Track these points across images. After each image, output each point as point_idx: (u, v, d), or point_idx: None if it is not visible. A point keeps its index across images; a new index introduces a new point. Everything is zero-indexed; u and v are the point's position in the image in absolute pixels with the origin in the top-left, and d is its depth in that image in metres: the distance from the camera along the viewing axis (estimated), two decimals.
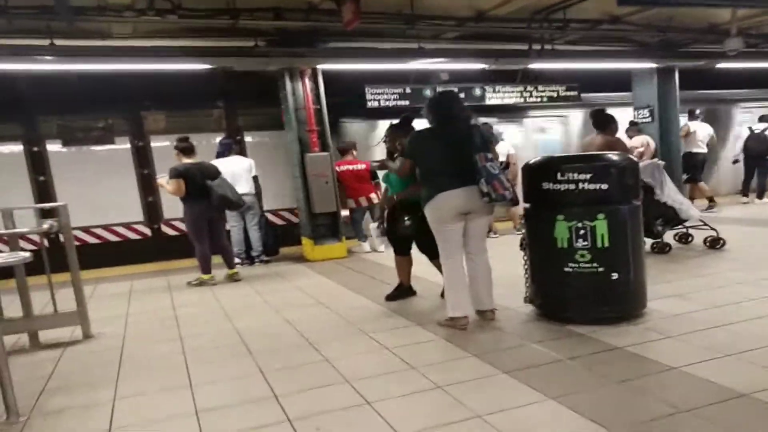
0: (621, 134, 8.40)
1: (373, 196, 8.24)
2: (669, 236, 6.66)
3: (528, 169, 4.42)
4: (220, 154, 7.78)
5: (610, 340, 3.75)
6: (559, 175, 4.07)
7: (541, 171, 4.24)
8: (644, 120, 10.93)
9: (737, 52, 8.86)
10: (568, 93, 10.24)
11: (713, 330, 3.85)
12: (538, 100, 10.13)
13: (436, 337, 4.15)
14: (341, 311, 5.08)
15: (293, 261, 8.08)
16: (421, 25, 7.69)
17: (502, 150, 8.63)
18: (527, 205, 4.45)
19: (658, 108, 10.84)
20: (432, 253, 4.79)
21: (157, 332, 4.87)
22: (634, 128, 9.95)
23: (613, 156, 4.31)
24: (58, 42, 6.52)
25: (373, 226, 7.91)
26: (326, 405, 3.12)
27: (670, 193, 6.36)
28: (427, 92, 9.15)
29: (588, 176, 3.99)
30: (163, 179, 6.57)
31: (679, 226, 6.67)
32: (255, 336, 4.53)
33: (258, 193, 7.96)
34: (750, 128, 10.86)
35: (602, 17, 8.61)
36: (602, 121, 6.21)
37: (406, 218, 4.88)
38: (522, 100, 10.03)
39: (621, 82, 11.32)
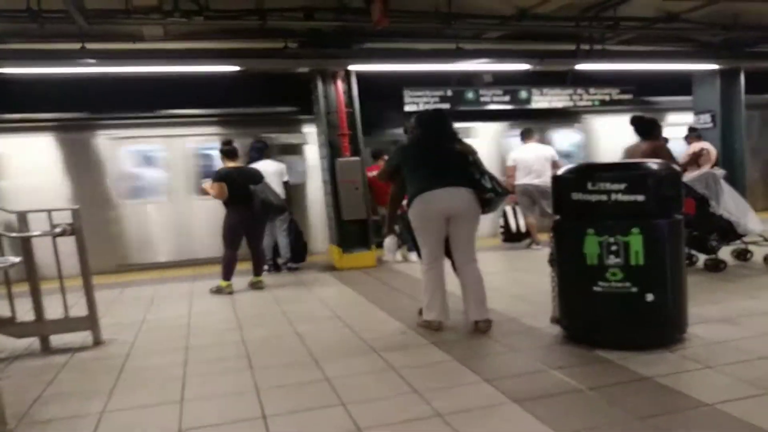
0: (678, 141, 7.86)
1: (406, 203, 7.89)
2: (726, 252, 6.08)
3: (557, 178, 4.08)
4: (253, 158, 7.65)
5: (640, 369, 3.35)
6: (590, 184, 3.72)
7: (571, 180, 3.91)
8: (705, 126, 10.16)
9: None
10: (622, 96, 9.61)
11: (761, 362, 3.39)
12: (589, 103, 9.56)
13: (450, 359, 3.83)
14: (356, 326, 4.82)
15: (321, 269, 7.81)
16: (459, 24, 7.35)
17: (547, 155, 8.20)
18: (556, 218, 4.09)
19: (720, 113, 10.08)
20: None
21: (165, 341, 4.73)
22: (694, 134, 9.23)
23: (652, 164, 3.90)
24: (89, 45, 6.58)
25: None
26: (313, 430, 2.89)
27: (727, 206, 5.79)
28: (470, 95, 8.81)
29: (622, 186, 3.64)
30: (207, 183, 6.52)
31: (738, 242, 6.07)
32: (260, 349, 4.34)
33: (288, 198, 7.75)
34: None
35: (658, 14, 8.03)
36: (645, 128, 5.74)
37: None
38: (572, 103, 9.46)
39: (683, 84, 10.60)
